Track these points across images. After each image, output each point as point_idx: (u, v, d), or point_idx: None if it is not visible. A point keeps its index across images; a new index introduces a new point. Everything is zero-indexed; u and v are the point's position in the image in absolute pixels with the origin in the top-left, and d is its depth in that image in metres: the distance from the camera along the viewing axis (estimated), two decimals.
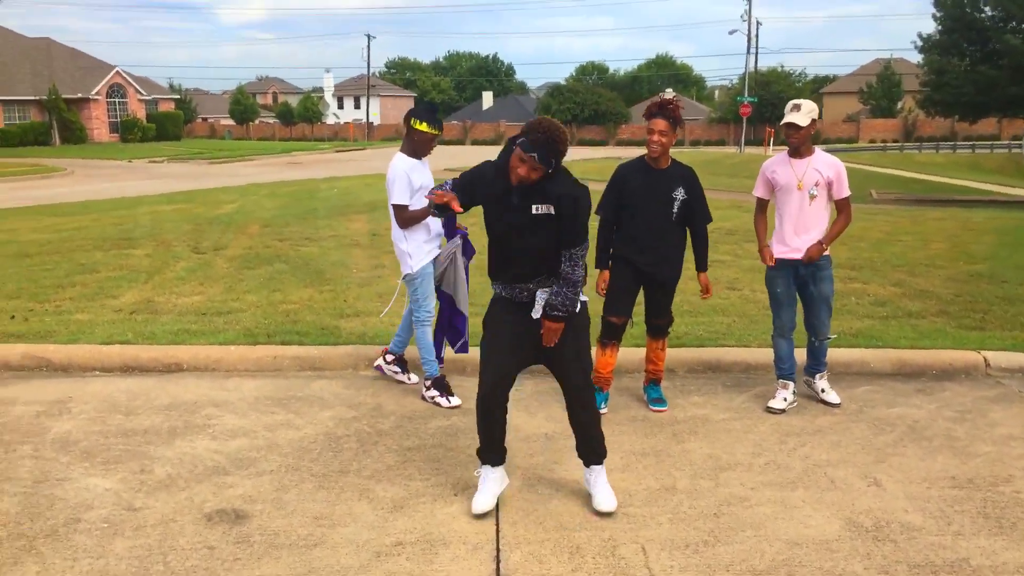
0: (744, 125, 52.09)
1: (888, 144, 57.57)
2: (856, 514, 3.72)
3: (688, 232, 4.92)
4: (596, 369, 4.88)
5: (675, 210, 4.75)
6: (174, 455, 4.26)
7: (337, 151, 45.96)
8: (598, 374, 4.89)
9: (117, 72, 51.49)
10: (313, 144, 56.00)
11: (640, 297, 4.99)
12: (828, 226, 4.98)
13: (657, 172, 4.75)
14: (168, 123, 54.41)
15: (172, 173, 26.31)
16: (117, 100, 51.64)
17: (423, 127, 4.83)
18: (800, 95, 63.47)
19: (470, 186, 3.59)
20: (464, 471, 4.10)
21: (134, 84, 52.66)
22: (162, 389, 5.26)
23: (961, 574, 3.22)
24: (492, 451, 3.74)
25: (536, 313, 3.59)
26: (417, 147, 4.91)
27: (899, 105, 65.98)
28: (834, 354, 5.89)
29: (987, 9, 24.99)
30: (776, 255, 5.01)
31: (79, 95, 48.74)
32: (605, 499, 3.70)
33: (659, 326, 5.03)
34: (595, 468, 3.79)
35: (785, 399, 5.07)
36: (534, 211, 3.46)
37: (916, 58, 31.78)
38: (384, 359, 5.47)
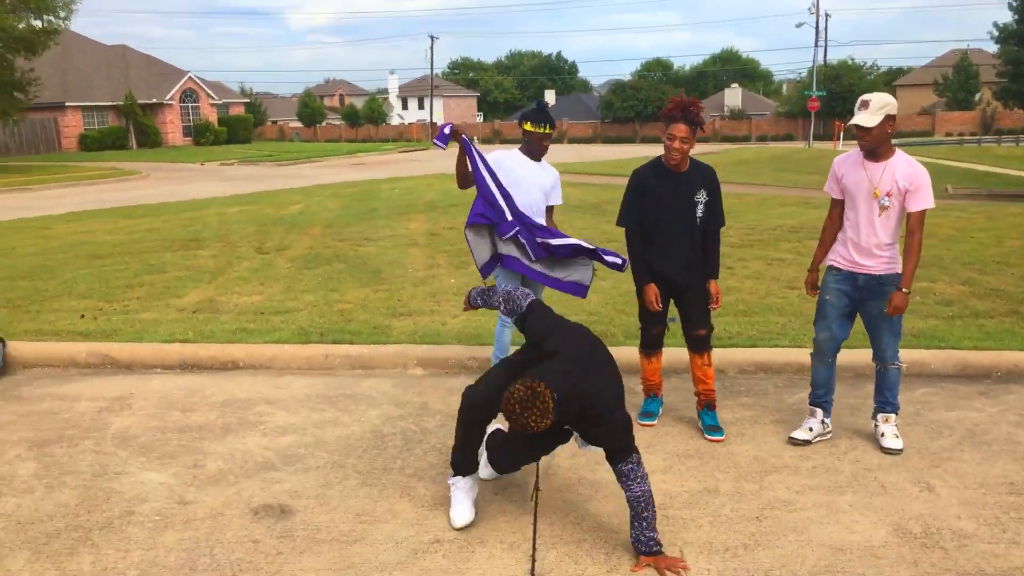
0: (812, 120, 50.80)
1: (965, 137, 55.41)
2: (905, 520, 3.61)
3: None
4: (645, 378, 4.88)
5: (700, 214, 4.51)
6: (226, 451, 4.40)
7: (401, 151, 46.56)
8: (648, 382, 4.86)
9: (190, 77, 53.16)
10: (377, 145, 56.83)
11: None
12: (898, 244, 4.31)
13: (678, 175, 4.48)
14: (239, 126, 55.90)
15: (241, 175, 27.06)
16: (190, 104, 53.32)
17: (528, 127, 4.84)
18: (872, 88, 61.84)
19: None
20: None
21: (206, 89, 54.28)
22: (218, 386, 5.44)
23: None
24: (469, 461, 3.67)
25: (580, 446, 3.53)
26: (531, 148, 4.92)
27: (976, 97, 63.39)
28: None
29: None
30: (831, 262, 4.49)
31: (154, 100, 50.49)
32: None
33: (699, 338, 4.66)
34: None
35: (811, 428, 4.52)
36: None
37: (993, 48, 30.47)
38: None
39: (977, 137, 55.00)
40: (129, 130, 48.61)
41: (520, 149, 4.97)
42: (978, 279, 8.17)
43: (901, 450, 4.37)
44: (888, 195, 4.23)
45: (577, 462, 4.25)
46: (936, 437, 4.56)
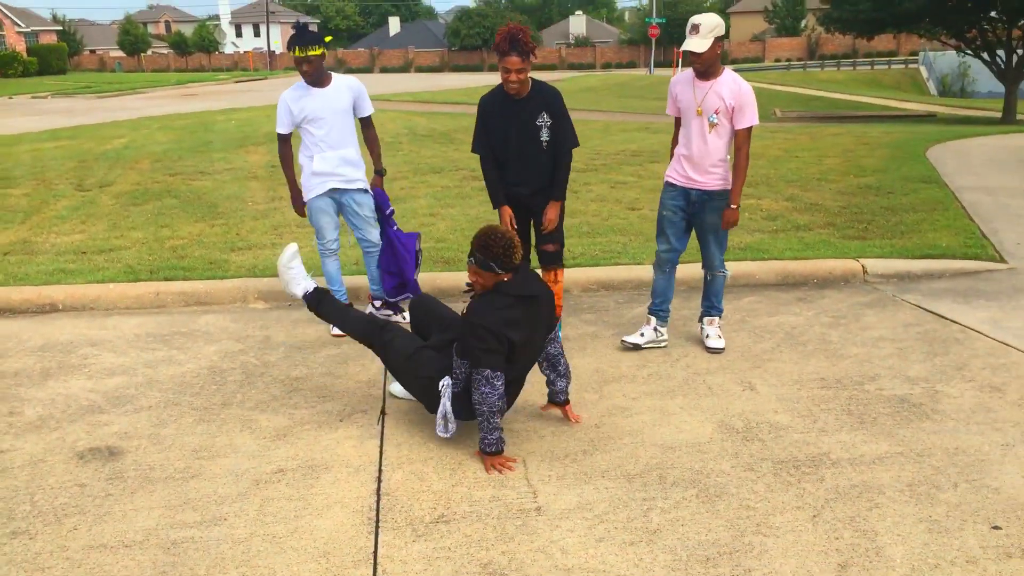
0: (653, 47, 52.14)
1: (792, 63, 58.66)
2: (729, 417, 3.88)
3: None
4: None
5: (544, 137, 4.50)
6: (46, 396, 4.10)
7: (236, 82, 44.00)
8: None
9: None
10: (211, 75, 53.48)
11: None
12: (728, 158, 4.54)
13: (519, 101, 4.46)
14: (51, 56, 51.00)
15: (57, 109, 24.75)
16: None
17: (293, 53, 4.63)
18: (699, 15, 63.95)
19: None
20: (351, 398, 4.09)
21: (11, 16, 49.08)
22: (35, 331, 5.03)
23: (821, 467, 3.40)
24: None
25: None
26: (303, 76, 4.71)
27: (803, 23, 67.00)
28: None
29: None
30: (668, 178, 4.69)
31: None
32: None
33: (548, 253, 4.72)
34: None
35: (642, 334, 4.77)
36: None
37: None
38: (373, 306, 5.32)
39: (803, 62, 58.37)
40: None
41: (303, 81, 4.78)
42: (800, 195, 8.75)
43: (723, 349, 4.71)
44: (716, 112, 4.39)
45: None
46: (758, 341, 4.89)
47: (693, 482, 3.29)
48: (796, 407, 3.98)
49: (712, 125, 4.43)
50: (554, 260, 4.74)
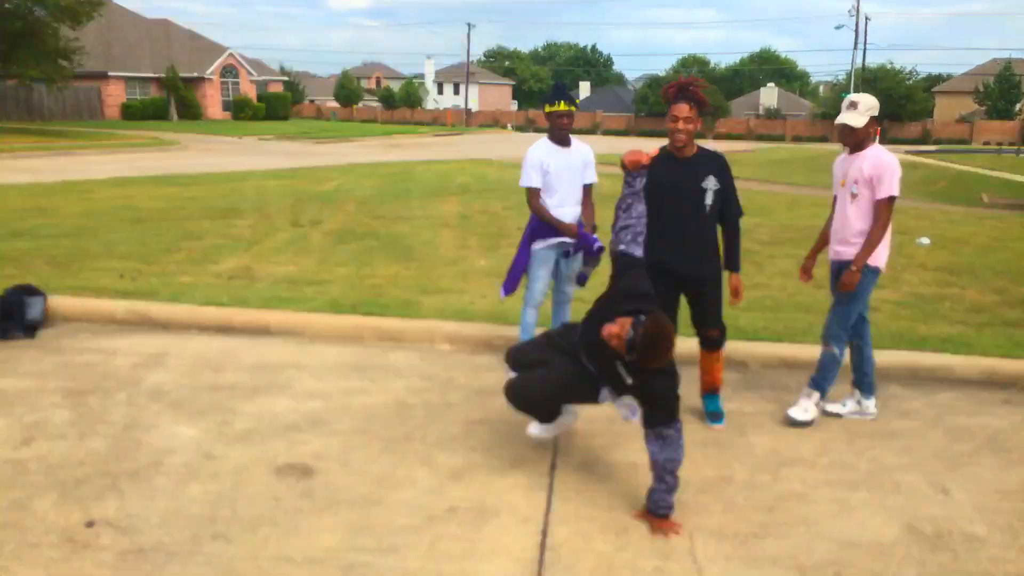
0: None
1: (1004, 147, 54.31)
2: (918, 520, 3.63)
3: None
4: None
5: (708, 201, 4.33)
6: (254, 411, 4.53)
7: (435, 135, 46.69)
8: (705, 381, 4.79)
9: (230, 54, 53.69)
10: (413, 128, 57.03)
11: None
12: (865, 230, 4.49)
13: (684, 161, 4.33)
14: (277, 104, 56.34)
15: (279, 151, 27.34)
16: (230, 80, 53.84)
17: (547, 108, 4.92)
18: (910, 93, 60.75)
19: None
20: (524, 445, 4.20)
21: (246, 66, 54.77)
22: (250, 350, 5.57)
23: None
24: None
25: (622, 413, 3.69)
26: (554, 130, 4.98)
27: (1017, 107, 62.05)
28: (918, 358, 5.73)
29: None
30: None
31: (195, 74, 51.08)
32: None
33: (710, 338, 4.60)
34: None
35: (844, 404, 4.85)
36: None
37: None
38: None
39: (1016, 147, 53.91)
40: (170, 102, 49.23)
41: (548, 137, 5.04)
42: (1011, 288, 8.08)
43: (800, 423, 4.60)
44: (856, 183, 4.45)
45: (594, 443, 4.31)
46: (956, 441, 4.55)
47: None
48: (995, 519, 3.66)
49: (853, 196, 4.47)
50: (718, 344, 4.65)
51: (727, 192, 4.41)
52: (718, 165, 4.40)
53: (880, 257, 4.54)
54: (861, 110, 4.37)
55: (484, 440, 4.28)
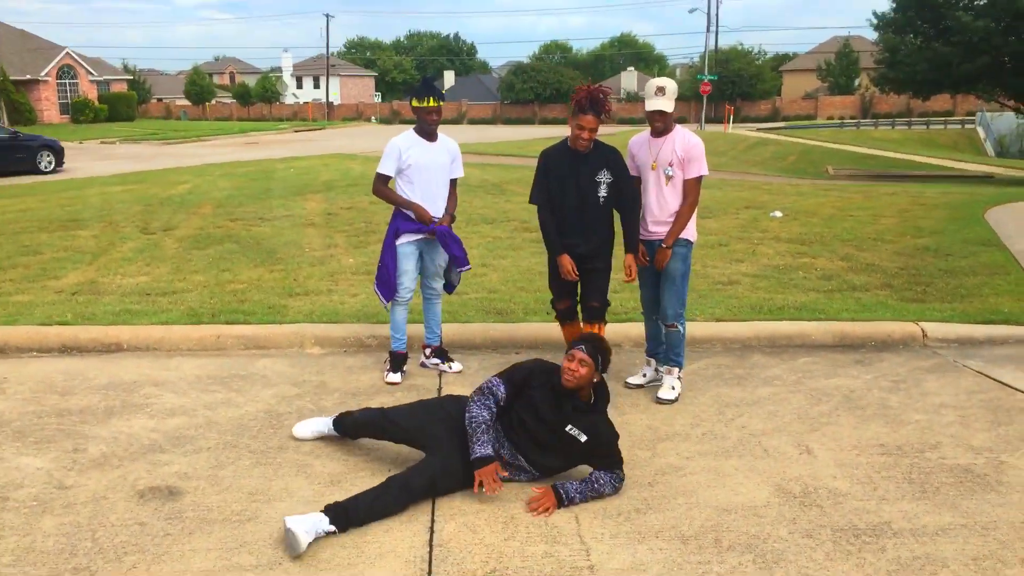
0: (704, 103, 52.38)
1: (845, 121, 58.32)
2: (786, 481, 3.80)
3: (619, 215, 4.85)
4: (568, 341, 4.92)
5: (602, 193, 4.69)
6: (109, 434, 4.21)
7: (296, 131, 45.35)
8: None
9: (67, 53, 50.20)
10: (272, 124, 55.18)
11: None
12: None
13: (581, 156, 4.67)
14: (121, 104, 53.20)
15: (125, 154, 25.76)
16: (68, 82, 50.38)
17: (414, 103, 4.88)
18: (759, 73, 64.10)
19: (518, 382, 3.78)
20: (403, 447, 4.10)
21: (85, 65, 51.38)
22: (100, 369, 5.19)
23: (883, 537, 3.31)
24: None
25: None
26: (421, 125, 4.93)
27: (856, 82, 66.80)
28: (777, 327, 6.02)
29: None
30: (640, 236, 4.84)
31: (28, 76, 47.49)
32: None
33: (593, 308, 4.90)
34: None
35: (644, 375, 5.07)
36: (567, 429, 3.66)
37: (873, 36, 32.16)
38: (424, 354, 5.37)
39: (856, 120, 57.98)
40: (1, 108, 45.53)
41: (415, 130, 4.96)
42: (856, 255, 8.64)
43: (673, 401, 4.78)
44: (671, 165, 4.63)
45: None
46: (815, 403, 4.81)
47: (749, 547, 3.22)
48: (855, 473, 3.89)
49: (668, 178, 4.66)
50: (598, 316, 4.89)
51: (621, 184, 4.70)
52: (613, 160, 4.69)
53: (691, 230, 4.79)
54: (669, 94, 4.56)
55: (363, 444, 4.15)
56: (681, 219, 4.68)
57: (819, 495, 3.67)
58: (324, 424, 4.17)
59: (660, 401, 4.79)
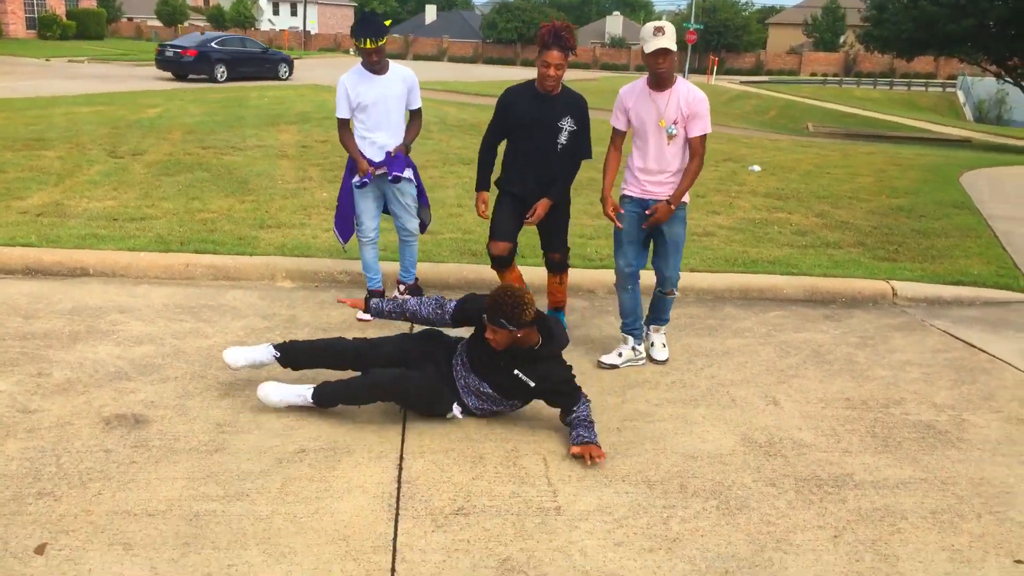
0: (689, 52, 51.83)
1: (828, 78, 58.17)
2: (752, 431, 3.86)
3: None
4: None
5: (562, 140, 4.52)
6: (74, 359, 4.14)
7: None
8: None
9: None
10: None
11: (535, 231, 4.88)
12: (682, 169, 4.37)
13: (547, 99, 4.47)
14: (90, 21, 51.31)
15: (93, 74, 24.95)
16: None
17: (354, 42, 4.67)
18: (746, 24, 63.49)
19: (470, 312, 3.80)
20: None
21: None
22: (65, 293, 5.08)
23: (844, 488, 3.37)
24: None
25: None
26: (364, 63, 4.74)
27: (841, 39, 66.48)
28: (750, 280, 6.05)
29: None
30: (624, 191, 4.48)
31: None
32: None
33: (554, 260, 4.81)
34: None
35: (620, 354, 4.59)
36: (515, 373, 3.64)
37: None
38: (398, 290, 5.29)
39: (839, 78, 57.88)
40: None
41: (362, 64, 4.80)
42: (831, 212, 8.68)
43: (667, 360, 4.66)
44: (675, 123, 4.25)
45: None
46: (784, 356, 4.86)
47: (714, 493, 3.27)
48: (820, 425, 3.95)
49: (671, 136, 4.26)
50: (560, 268, 4.86)
51: (580, 135, 4.57)
52: (577, 107, 4.53)
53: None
54: (669, 34, 4.08)
55: (331, 378, 4.11)
56: (689, 178, 4.30)
57: (784, 445, 3.72)
58: (263, 353, 3.85)
59: (654, 362, 4.63)
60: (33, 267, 5.42)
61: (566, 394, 3.66)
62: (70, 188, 7.67)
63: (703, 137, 4.29)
